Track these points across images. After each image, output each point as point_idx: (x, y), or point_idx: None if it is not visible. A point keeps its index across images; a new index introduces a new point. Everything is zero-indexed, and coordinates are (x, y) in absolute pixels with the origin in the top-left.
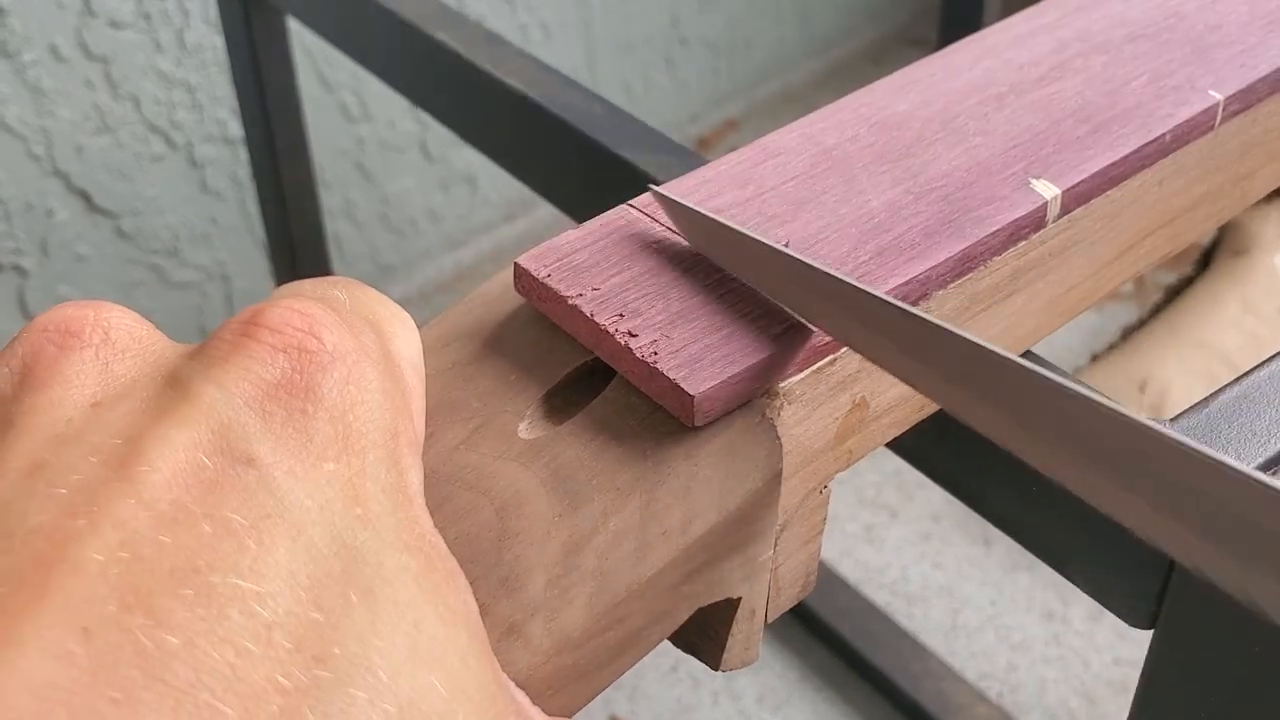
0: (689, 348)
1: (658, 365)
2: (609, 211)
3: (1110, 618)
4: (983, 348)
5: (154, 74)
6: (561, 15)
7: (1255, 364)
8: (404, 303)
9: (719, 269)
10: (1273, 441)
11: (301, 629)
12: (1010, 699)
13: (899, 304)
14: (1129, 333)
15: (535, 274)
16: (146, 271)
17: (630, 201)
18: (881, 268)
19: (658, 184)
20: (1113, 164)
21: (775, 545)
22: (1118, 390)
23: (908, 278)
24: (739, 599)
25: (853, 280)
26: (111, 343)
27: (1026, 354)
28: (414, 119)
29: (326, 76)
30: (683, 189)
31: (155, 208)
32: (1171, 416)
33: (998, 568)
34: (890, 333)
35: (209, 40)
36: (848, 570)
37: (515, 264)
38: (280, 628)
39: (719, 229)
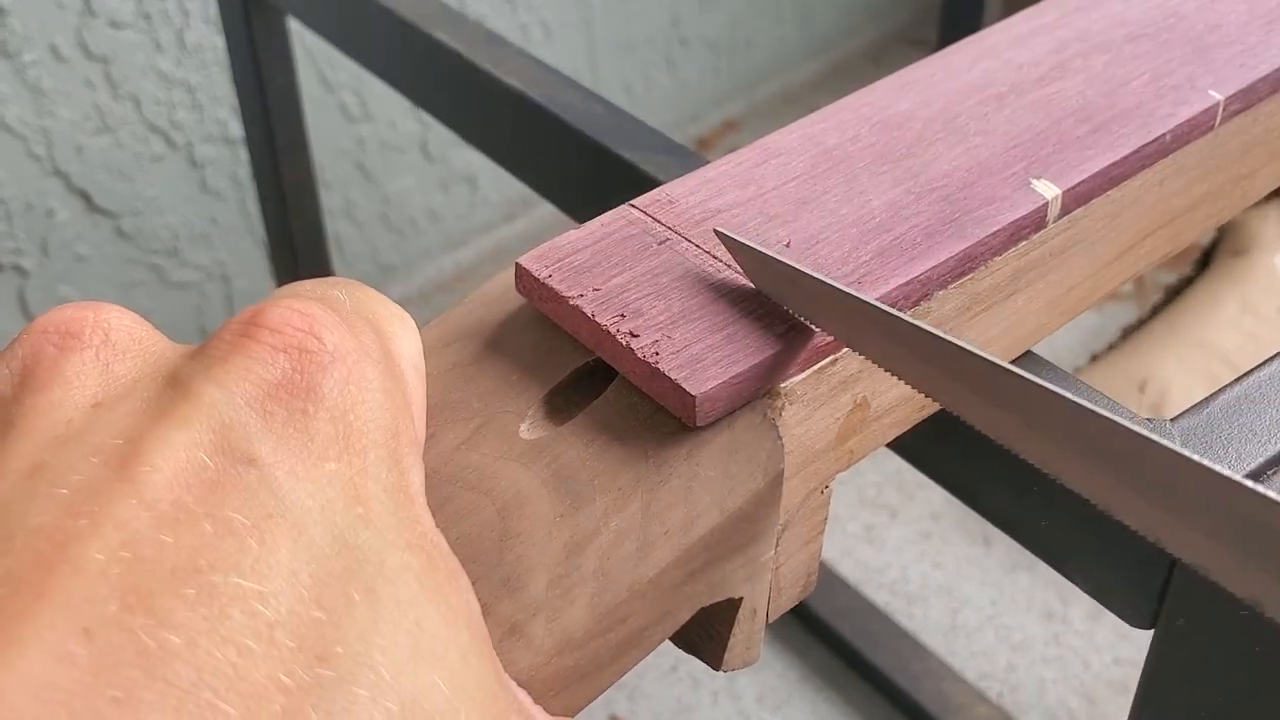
0: (690, 348)
1: (659, 365)
2: (610, 212)
3: (1110, 618)
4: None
5: (154, 74)
6: (562, 15)
7: (1255, 364)
8: (404, 303)
9: (719, 269)
10: (1273, 441)
11: (304, 628)
12: (1010, 699)
13: (965, 346)
14: (1129, 333)
15: (536, 274)
16: (146, 271)
17: (631, 201)
18: (882, 268)
19: (658, 183)
20: (1113, 164)
21: (777, 545)
22: (1118, 390)
23: (909, 278)
24: (740, 599)
25: (934, 329)
26: (111, 343)
27: (1026, 354)
28: (414, 119)
29: (327, 76)
30: (685, 189)
31: (155, 208)
32: (1172, 416)
33: (998, 568)
34: (968, 380)
35: (209, 40)
36: (848, 570)
37: (516, 264)
38: (282, 627)
39: (785, 271)
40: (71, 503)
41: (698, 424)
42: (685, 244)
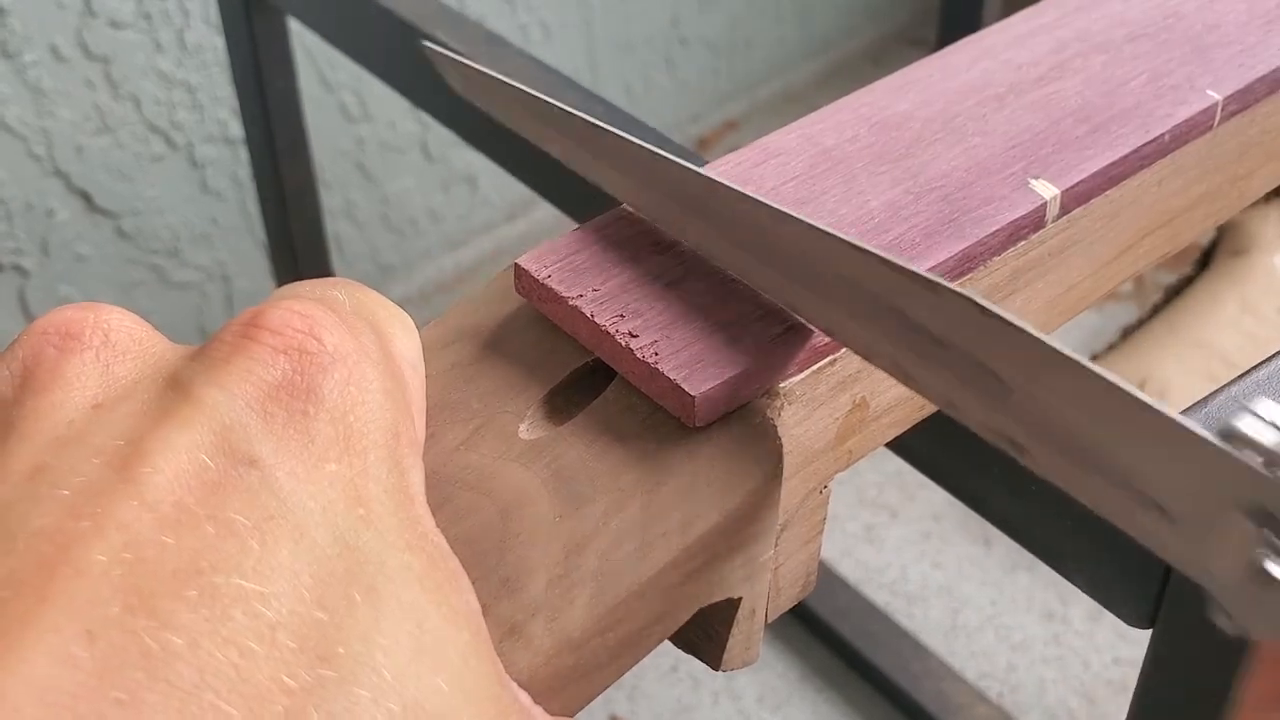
0: (690, 348)
1: (659, 366)
2: (610, 212)
3: (1110, 618)
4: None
5: (154, 74)
6: (562, 15)
7: (1254, 363)
8: (404, 303)
9: (720, 270)
10: None
11: (305, 629)
12: (1010, 699)
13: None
14: (1128, 333)
15: (536, 275)
16: (147, 272)
17: None
18: None
19: None
20: (1112, 164)
21: (776, 545)
22: None
23: None
24: (739, 599)
25: (617, 130)
26: (112, 345)
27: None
28: (414, 119)
29: (327, 77)
30: None
31: (155, 208)
32: None
33: (998, 568)
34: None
35: (209, 40)
36: (848, 570)
37: (516, 265)
38: (284, 628)
39: (487, 81)
40: (73, 504)
41: (697, 424)
42: (684, 244)
